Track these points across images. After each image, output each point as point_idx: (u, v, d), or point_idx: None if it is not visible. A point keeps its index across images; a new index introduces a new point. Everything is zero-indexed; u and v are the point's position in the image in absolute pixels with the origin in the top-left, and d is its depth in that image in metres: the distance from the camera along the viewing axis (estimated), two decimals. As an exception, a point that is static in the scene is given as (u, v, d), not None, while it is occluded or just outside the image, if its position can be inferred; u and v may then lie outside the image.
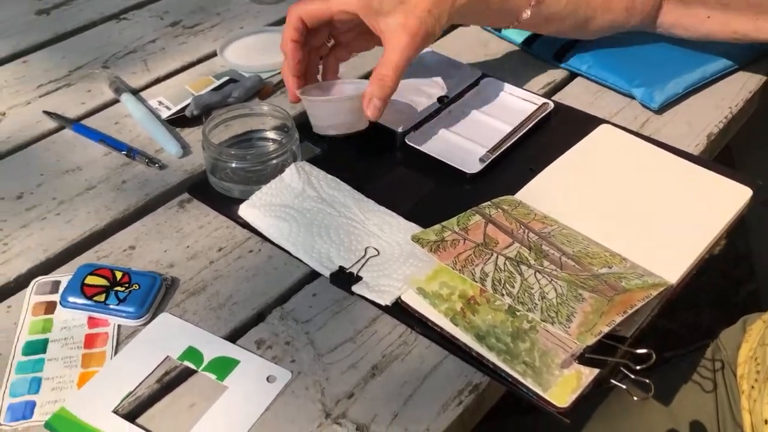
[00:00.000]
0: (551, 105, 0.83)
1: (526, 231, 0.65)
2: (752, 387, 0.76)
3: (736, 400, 0.78)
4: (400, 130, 0.79)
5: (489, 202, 0.68)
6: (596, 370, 0.56)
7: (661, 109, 0.85)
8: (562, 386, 0.55)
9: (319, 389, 0.57)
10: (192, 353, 0.59)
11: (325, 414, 0.55)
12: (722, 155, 0.89)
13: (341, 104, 0.74)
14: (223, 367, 0.58)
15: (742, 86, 0.88)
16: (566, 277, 0.60)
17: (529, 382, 0.55)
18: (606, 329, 0.55)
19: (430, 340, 0.60)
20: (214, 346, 0.60)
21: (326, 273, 0.65)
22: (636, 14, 0.82)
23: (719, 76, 0.89)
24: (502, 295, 0.58)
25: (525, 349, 0.57)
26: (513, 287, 0.58)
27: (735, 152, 1.20)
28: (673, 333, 1.54)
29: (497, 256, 0.61)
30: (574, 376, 0.56)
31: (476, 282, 0.59)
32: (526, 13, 0.78)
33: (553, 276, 0.60)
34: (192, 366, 0.58)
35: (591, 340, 0.54)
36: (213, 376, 0.58)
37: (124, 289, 0.62)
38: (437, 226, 0.65)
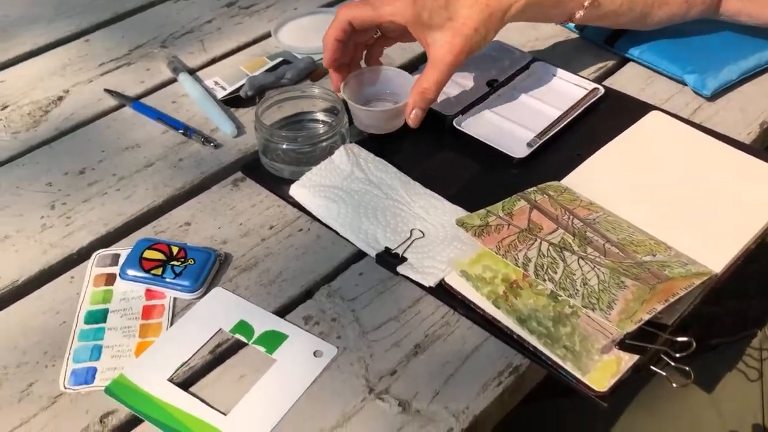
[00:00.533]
0: (601, 90, 0.83)
1: (571, 217, 0.65)
2: None
3: (781, 391, 0.78)
4: (449, 114, 0.80)
5: (535, 188, 0.69)
6: (636, 356, 0.57)
7: (714, 97, 0.84)
8: (602, 371, 0.56)
9: (363, 365, 0.59)
10: (243, 327, 0.62)
11: (369, 389, 0.57)
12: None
13: (380, 114, 0.78)
14: (273, 340, 0.61)
15: (798, 73, 0.87)
16: (609, 264, 0.60)
17: (568, 366, 0.56)
18: (646, 317, 0.56)
19: (472, 321, 0.61)
20: (264, 321, 0.62)
21: (372, 253, 0.67)
22: (696, 5, 0.81)
23: (774, 63, 0.87)
24: (544, 280, 0.59)
25: (566, 334, 0.58)
26: (555, 273, 0.59)
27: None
28: (718, 320, 1.52)
29: (541, 242, 0.62)
30: (613, 361, 0.56)
31: (519, 267, 0.60)
32: (580, 14, 0.79)
33: (596, 263, 0.61)
34: (243, 339, 0.61)
35: (631, 327, 0.55)
36: (263, 349, 0.60)
37: (180, 263, 0.65)
38: (482, 211, 0.66)
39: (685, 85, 0.85)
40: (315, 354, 0.60)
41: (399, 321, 0.62)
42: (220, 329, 0.62)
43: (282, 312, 0.63)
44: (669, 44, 0.88)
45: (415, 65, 0.92)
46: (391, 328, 0.61)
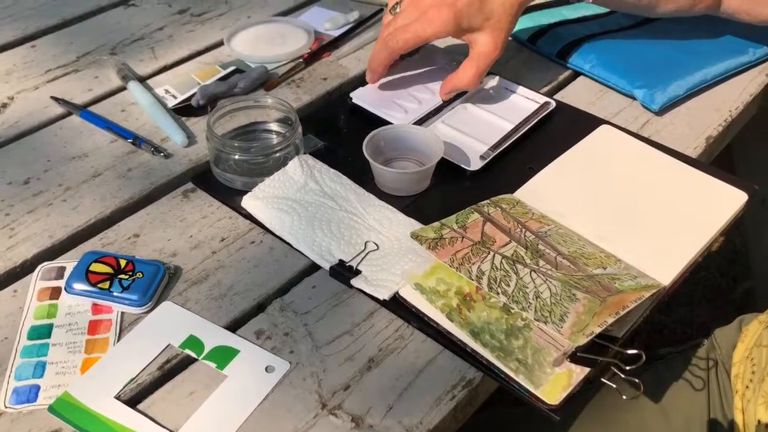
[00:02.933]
0: (553, 104, 0.84)
1: (524, 230, 0.66)
2: (747, 387, 0.77)
3: (729, 400, 0.80)
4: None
5: (488, 201, 0.69)
6: (587, 369, 0.57)
7: (662, 111, 0.85)
8: (553, 384, 0.56)
9: (316, 380, 0.58)
10: (193, 342, 0.61)
11: (322, 405, 0.56)
12: (721, 156, 0.90)
13: (410, 176, 0.74)
14: (223, 356, 0.60)
15: (742, 90, 0.89)
16: (561, 276, 0.61)
17: (521, 379, 0.56)
18: (598, 330, 0.56)
19: (425, 335, 0.61)
20: (214, 335, 0.61)
21: (326, 266, 0.66)
22: (702, 1, 0.86)
23: (720, 80, 0.89)
24: (497, 293, 0.59)
25: (518, 347, 0.58)
26: (508, 286, 0.60)
27: (735, 153, 1.21)
28: (667, 328, 1.55)
29: (494, 255, 0.63)
30: (565, 374, 0.57)
31: (472, 280, 0.60)
32: (588, 1, 0.85)
33: (548, 276, 0.61)
34: (193, 354, 0.60)
35: (583, 341, 0.56)
36: (213, 365, 0.59)
37: (127, 276, 0.64)
38: (436, 224, 0.66)
39: (635, 99, 0.87)
40: (267, 369, 0.59)
41: (353, 335, 0.61)
42: (169, 344, 0.60)
43: (233, 326, 0.62)
44: (619, 59, 0.90)
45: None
46: (344, 342, 0.61)
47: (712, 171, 0.75)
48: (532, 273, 0.61)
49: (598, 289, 0.60)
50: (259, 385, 0.58)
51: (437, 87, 0.86)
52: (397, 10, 0.81)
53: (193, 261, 0.68)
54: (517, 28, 0.96)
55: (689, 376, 0.85)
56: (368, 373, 0.59)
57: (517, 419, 0.86)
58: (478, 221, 0.66)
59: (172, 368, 0.59)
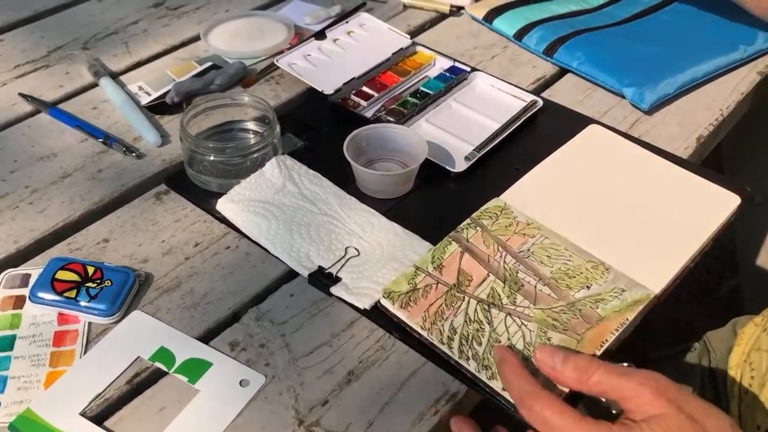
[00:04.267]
0: (540, 102, 0.82)
1: (503, 254, 0.63)
2: (746, 393, 0.75)
3: (725, 406, 0.78)
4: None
5: (469, 220, 0.66)
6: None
7: (651, 110, 0.83)
8: None
9: (292, 395, 0.55)
10: (164, 354, 0.58)
11: (299, 421, 0.54)
12: (712, 155, 0.88)
13: (393, 178, 0.71)
14: (195, 369, 0.57)
15: (733, 88, 0.87)
16: (538, 315, 0.58)
17: (506, 394, 0.54)
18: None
19: (408, 346, 0.59)
20: (186, 347, 0.58)
21: (305, 273, 0.63)
22: None
23: (711, 78, 0.87)
24: (467, 359, 0.56)
25: None
26: (480, 345, 0.56)
27: (725, 153, 1.19)
28: (652, 325, 1.53)
29: (469, 301, 0.59)
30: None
31: (443, 345, 0.57)
32: None
33: (523, 318, 0.58)
34: (163, 367, 0.57)
35: None
36: (184, 379, 0.56)
37: (95, 285, 0.61)
38: (410, 270, 0.62)
39: (624, 97, 0.85)
40: (241, 383, 0.56)
41: (332, 346, 0.59)
42: (139, 357, 0.57)
43: (206, 337, 0.59)
44: (608, 56, 0.87)
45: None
46: (323, 353, 0.58)
47: (704, 173, 0.73)
48: (507, 318, 0.58)
49: (578, 323, 0.58)
50: (233, 400, 0.55)
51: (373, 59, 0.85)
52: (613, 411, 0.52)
53: (165, 267, 0.65)
54: (503, 23, 0.94)
55: (682, 382, 0.83)
56: (348, 387, 0.56)
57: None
58: (455, 255, 0.63)
59: (141, 382, 0.56)
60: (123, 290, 0.61)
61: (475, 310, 0.59)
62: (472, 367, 0.55)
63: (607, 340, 0.56)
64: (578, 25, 0.94)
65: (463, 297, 0.60)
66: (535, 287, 0.60)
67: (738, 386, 0.77)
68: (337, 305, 0.62)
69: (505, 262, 0.62)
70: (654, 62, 0.86)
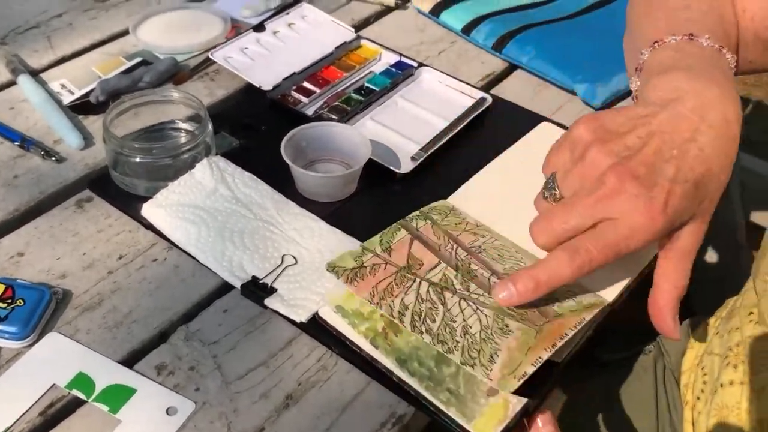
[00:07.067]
0: (489, 99, 0.78)
1: (455, 246, 0.59)
2: (698, 398, 0.73)
3: (678, 411, 0.76)
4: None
5: (418, 212, 0.62)
6: (525, 399, 0.51)
7: (604, 107, 0.80)
8: (488, 416, 0.50)
9: (225, 423, 0.51)
10: (82, 380, 0.52)
11: (231, 452, 0.49)
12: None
13: (336, 179, 0.67)
14: (117, 396, 0.52)
15: (686, 83, 0.84)
16: (493, 303, 0.55)
17: (452, 412, 0.50)
18: (532, 369, 0.50)
19: (350, 363, 0.54)
20: (107, 372, 0.53)
21: (237, 283, 0.59)
22: None
23: (664, 72, 0.85)
24: (421, 332, 0.52)
25: (450, 375, 0.52)
26: (434, 321, 0.53)
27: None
28: (602, 326, 1.51)
29: (420, 282, 0.56)
30: (501, 405, 0.51)
31: (394, 318, 0.53)
32: None
33: (479, 303, 0.55)
34: (81, 396, 0.52)
35: (514, 386, 0.49)
36: (105, 408, 0.51)
37: (6, 305, 0.55)
38: (357, 249, 0.58)
39: (575, 94, 0.82)
40: (168, 411, 0.51)
41: (268, 367, 0.54)
42: (54, 384, 0.52)
43: (130, 361, 0.54)
44: (558, 52, 0.84)
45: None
46: (259, 376, 0.54)
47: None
48: (462, 301, 0.55)
49: (534, 316, 0.54)
50: (159, 430, 0.50)
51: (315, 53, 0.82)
52: (556, 192, 0.55)
53: (86, 283, 0.59)
54: (450, 17, 0.91)
55: (636, 386, 0.81)
56: (286, 412, 0.52)
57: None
58: (404, 240, 0.59)
59: (56, 413, 0.51)
60: (37, 310, 0.55)
61: (428, 290, 0.55)
62: (426, 340, 0.51)
63: (566, 334, 0.53)
64: (528, 19, 0.90)
65: (414, 279, 0.56)
66: (489, 279, 0.57)
67: (691, 391, 0.75)
68: (275, 321, 0.57)
69: (456, 253, 0.59)
70: (606, 57, 0.83)
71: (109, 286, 0.59)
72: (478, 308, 0.54)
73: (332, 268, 0.56)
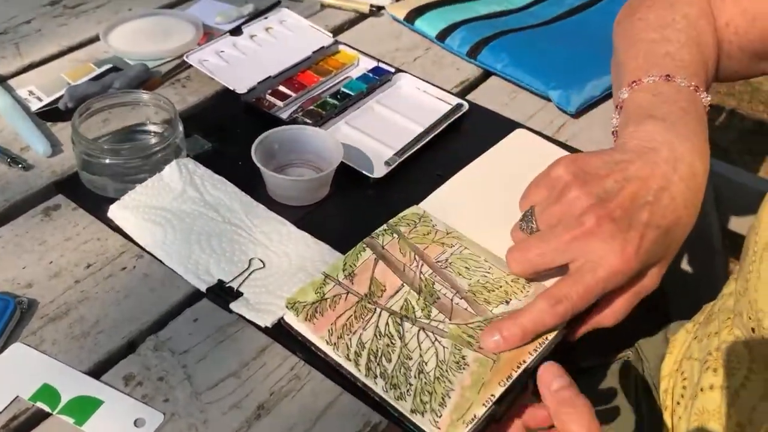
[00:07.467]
0: (465, 106, 0.78)
1: (420, 264, 0.58)
2: (678, 403, 0.72)
3: (658, 417, 0.75)
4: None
5: (385, 225, 0.61)
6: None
7: (578, 113, 0.80)
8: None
9: (195, 434, 0.49)
10: (47, 392, 0.51)
11: (201, 464, 0.48)
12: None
13: (305, 183, 0.67)
14: (84, 408, 0.50)
15: (660, 90, 0.84)
16: (453, 330, 0.54)
17: (417, 419, 0.49)
18: (482, 411, 0.49)
19: (320, 371, 0.53)
20: (73, 384, 0.52)
21: (202, 287, 0.58)
22: None
23: (638, 79, 0.85)
24: (375, 377, 0.51)
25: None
26: (389, 361, 0.52)
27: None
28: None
29: (380, 313, 0.55)
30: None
31: (350, 360, 0.52)
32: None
33: (438, 333, 0.54)
34: (46, 408, 0.50)
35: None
36: (70, 420, 0.50)
37: (-32, 315, 0.54)
38: (319, 278, 0.57)
39: (550, 101, 0.81)
40: (136, 423, 0.50)
41: (240, 377, 0.53)
42: (18, 397, 0.51)
43: (97, 371, 0.53)
44: (533, 58, 0.84)
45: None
46: (229, 386, 0.52)
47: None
48: (420, 333, 0.54)
49: None
50: (127, 442, 0.49)
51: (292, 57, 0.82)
52: (533, 225, 0.56)
53: (52, 293, 0.58)
54: (424, 24, 0.90)
55: (614, 392, 0.80)
56: (257, 423, 0.50)
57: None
58: (369, 262, 0.58)
59: (19, 427, 0.50)
60: (1, 320, 0.54)
61: (387, 323, 0.54)
62: (379, 386, 0.50)
63: (524, 361, 0.52)
64: (502, 25, 0.90)
65: (375, 309, 0.55)
66: (452, 300, 0.56)
67: (671, 397, 0.74)
68: (247, 330, 0.56)
69: (421, 272, 0.58)
70: (581, 63, 0.83)
71: (76, 296, 0.58)
72: (436, 339, 0.53)
73: (291, 304, 0.54)
